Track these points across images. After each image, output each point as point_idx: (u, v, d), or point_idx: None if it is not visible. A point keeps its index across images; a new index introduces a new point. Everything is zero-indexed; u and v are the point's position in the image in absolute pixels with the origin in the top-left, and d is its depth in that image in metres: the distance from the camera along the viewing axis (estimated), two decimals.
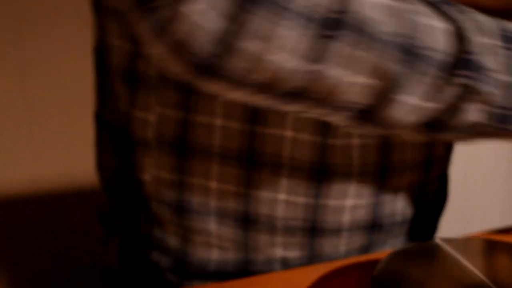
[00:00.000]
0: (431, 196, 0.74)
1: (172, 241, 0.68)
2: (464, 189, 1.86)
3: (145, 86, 0.64)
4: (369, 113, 0.54)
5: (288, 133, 0.62)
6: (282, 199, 0.64)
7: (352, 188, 0.65)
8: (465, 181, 1.86)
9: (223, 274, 0.68)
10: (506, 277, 0.52)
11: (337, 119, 0.56)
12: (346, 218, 0.66)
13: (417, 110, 0.53)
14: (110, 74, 0.69)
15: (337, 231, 0.66)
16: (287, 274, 0.61)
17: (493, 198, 1.95)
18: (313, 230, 0.66)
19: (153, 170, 0.66)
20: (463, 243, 0.57)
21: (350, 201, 0.65)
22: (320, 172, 0.64)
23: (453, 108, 0.53)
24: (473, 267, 0.53)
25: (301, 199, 0.64)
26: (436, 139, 0.61)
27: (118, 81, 0.67)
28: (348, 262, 0.63)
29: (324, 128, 0.62)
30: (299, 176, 0.64)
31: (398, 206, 0.69)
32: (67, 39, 0.99)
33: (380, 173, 0.66)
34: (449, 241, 0.57)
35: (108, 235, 0.75)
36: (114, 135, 0.69)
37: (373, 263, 0.61)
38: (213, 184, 0.64)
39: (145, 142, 0.66)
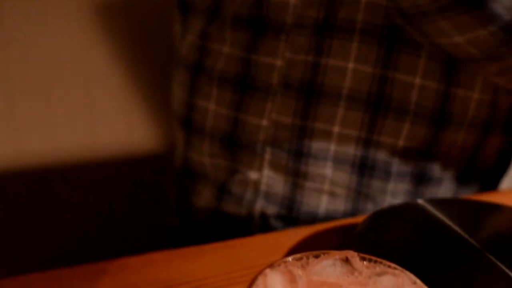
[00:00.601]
0: (487, 162, 0.73)
1: (282, 187, 0.69)
2: None
3: (273, 33, 0.66)
4: None
5: (417, 81, 0.64)
6: (400, 146, 0.66)
7: (460, 138, 0.67)
8: None
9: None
10: (485, 234, 0.53)
11: None
12: (450, 167, 0.68)
13: None
14: (225, 20, 0.70)
15: (439, 180, 0.68)
16: (268, 237, 0.61)
17: None
18: (420, 176, 0.68)
19: (274, 115, 0.68)
20: (445, 203, 0.58)
21: (456, 151, 0.67)
22: (440, 119, 0.65)
23: None
24: (453, 225, 0.53)
25: (416, 146, 0.66)
26: None
27: (238, 27, 0.68)
28: (330, 225, 0.63)
29: (449, 79, 0.64)
30: (422, 124, 0.65)
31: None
32: (48, 13, 0.98)
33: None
34: (430, 201, 0.58)
35: (201, 186, 0.76)
36: (223, 83, 0.70)
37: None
38: (336, 129, 0.66)
39: (268, 86, 0.68)
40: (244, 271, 0.54)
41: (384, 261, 0.37)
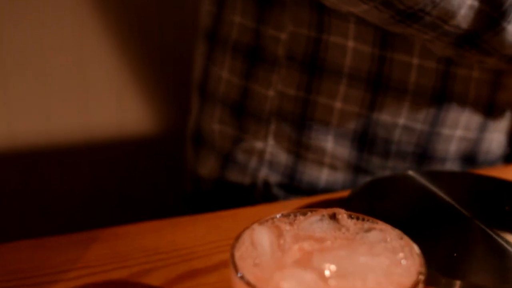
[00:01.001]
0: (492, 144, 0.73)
1: (285, 157, 0.71)
2: None
3: (279, 6, 0.67)
4: (475, 38, 0.58)
5: (415, 61, 0.64)
6: (401, 124, 0.66)
7: (463, 119, 0.67)
8: None
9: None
10: (475, 203, 0.53)
11: (440, 43, 0.60)
12: (453, 147, 0.69)
13: None
14: None
15: (443, 160, 0.69)
16: (260, 208, 0.62)
17: None
18: (422, 156, 0.69)
19: (280, 87, 0.69)
20: (435, 175, 0.58)
21: (459, 132, 0.68)
22: (441, 98, 0.66)
23: None
24: (443, 195, 0.53)
25: (418, 125, 0.67)
26: None
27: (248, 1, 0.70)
28: (329, 196, 0.64)
29: (448, 58, 0.64)
30: (423, 103, 0.66)
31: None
32: None
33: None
34: (421, 173, 0.58)
35: (208, 154, 0.78)
36: (236, 52, 0.71)
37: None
38: (338, 104, 0.67)
39: (274, 58, 0.69)
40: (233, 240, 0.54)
41: (371, 219, 0.38)
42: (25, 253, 0.52)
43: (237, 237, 0.35)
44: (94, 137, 1.06)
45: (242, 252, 0.34)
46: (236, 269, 0.32)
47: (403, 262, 0.33)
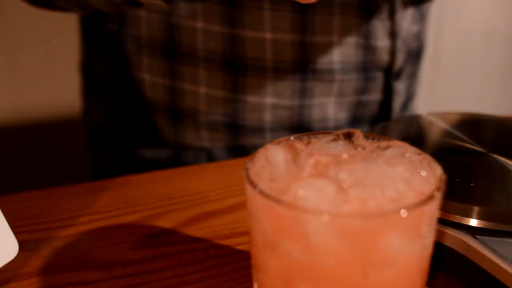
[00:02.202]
0: (371, 107, 0.70)
1: (166, 151, 0.70)
2: None
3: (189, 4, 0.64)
4: None
5: (268, 35, 0.62)
6: (269, 104, 0.65)
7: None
8: None
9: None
10: (490, 140, 0.52)
11: None
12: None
13: None
14: None
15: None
16: (215, 165, 0.61)
17: None
18: (299, 130, 0.66)
19: (147, 76, 0.67)
20: (449, 116, 0.57)
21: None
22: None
23: None
24: (459, 134, 0.52)
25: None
26: None
27: None
28: None
29: (304, 29, 0.62)
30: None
31: (330, 111, 0.68)
32: None
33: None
34: (435, 114, 0.57)
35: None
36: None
37: None
38: (202, 89, 0.65)
39: (139, 41, 0.66)
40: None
41: (387, 138, 0.37)
42: (36, 202, 0.51)
43: (251, 157, 0.34)
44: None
45: (257, 168, 0.33)
46: (253, 184, 0.31)
47: (423, 172, 0.33)
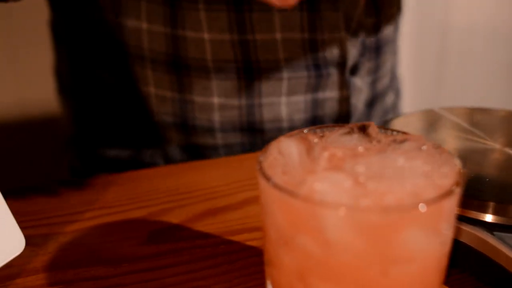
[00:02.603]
0: (330, 106, 0.68)
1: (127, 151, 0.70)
2: None
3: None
4: None
5: (206, 35, 0.60)
6: (216, 103, 0.64)
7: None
8: None
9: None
10: (504, 135, 0.51)
11: None
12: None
13: None
14: None
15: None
16: (224, 160, 0.60)
17: None
18: (252, 130, 0.65)
19: (108, 75, 0.67)
20: (461, 110, 0.56)
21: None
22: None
23: None
24: (472, 129, 0.52)
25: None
26: None
27: None
28: None
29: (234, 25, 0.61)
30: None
31: (282, 111, 0.65)
32: None
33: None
34: (448, 109, 0.56)
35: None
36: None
37: None
38: (152, 89, 0.64)
39: (99, 45, 0.65)
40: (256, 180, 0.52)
41: (403, 131, 0.36)
42: (43, 197, 0.50)
43: (264, 150, 0.34)
44: None
45: (270, 161, 0.32)
46: (266, 177, 0.30)
47: (443, 167, 0.32)
